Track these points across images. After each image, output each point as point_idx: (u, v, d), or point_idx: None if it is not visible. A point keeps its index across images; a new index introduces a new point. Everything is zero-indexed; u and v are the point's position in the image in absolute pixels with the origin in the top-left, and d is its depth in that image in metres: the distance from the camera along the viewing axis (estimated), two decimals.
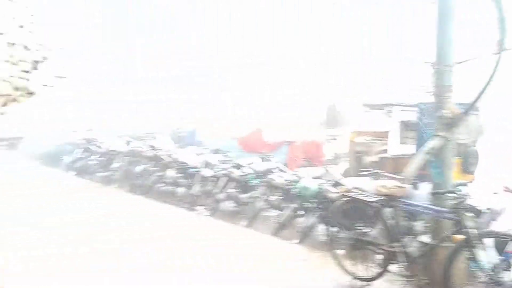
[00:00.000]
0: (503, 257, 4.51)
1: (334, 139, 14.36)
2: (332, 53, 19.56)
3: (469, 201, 4.95)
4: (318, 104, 15.07)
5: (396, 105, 10.77)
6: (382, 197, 5.06)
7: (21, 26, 2.25)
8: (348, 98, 15.09)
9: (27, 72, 2.28)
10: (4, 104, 2.30)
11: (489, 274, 4.32)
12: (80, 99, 19.13)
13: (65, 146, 14.02)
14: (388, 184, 5.03)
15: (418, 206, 5.01)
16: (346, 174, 10.14)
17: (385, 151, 10.92)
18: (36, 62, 2.23)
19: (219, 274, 5.48)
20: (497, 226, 5.01)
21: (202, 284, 5.14)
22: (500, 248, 4.66)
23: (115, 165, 11.15)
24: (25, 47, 2.19)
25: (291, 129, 12.62)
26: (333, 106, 15.60)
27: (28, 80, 2.29)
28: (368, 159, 10.78)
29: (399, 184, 5.04)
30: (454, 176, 5.25)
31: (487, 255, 4.43)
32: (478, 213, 5.13)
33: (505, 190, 5.63)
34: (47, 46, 2.33)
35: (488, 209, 5.28)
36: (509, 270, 4.51)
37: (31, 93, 2.33)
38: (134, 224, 7.59)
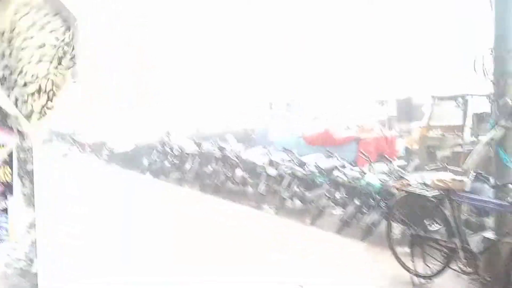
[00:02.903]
0: None
1: (409, 133, 13.94)
2: (394, 42, 18.95)
3: None
4: (387, 97, 14.66)
5: (468, 95, 10.29)
6: (440, 191, 4.88)
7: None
8: (419, 90, 14.56)
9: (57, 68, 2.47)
10: (51, 100, 2.51)
11: None
12: (154, 102, 20.05)
13: (144, 149, 14.79)
14: (445, 178, 4.84)
15: (478, 200, 4.77)
16: (417, 169, 9.85)
17: (459, 145, 10.47)
18: (60, 58, 2.44)
19: (277, 270, 5.52)
20: None
21: (265, 280, 5.15)
22: None
23: (187, 166, 11.60)
24: (54, 46, 2.41)
25: (359, 124, 12.37)
26: (407, 99, 15.14)
27: (63, 75, 2.49)
28: (440, 154, 10.40)
29: (456, 177, 4.84)
30: None
31: None
32: None
33: None
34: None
35: None
36: None
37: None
38: (202, 222, 7.84)
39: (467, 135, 10.10)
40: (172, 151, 12.43)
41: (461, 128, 10.31)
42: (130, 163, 14.54)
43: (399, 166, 11.06)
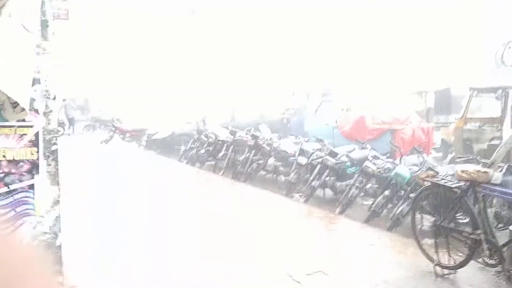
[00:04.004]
0: None
1: (446, 126, 13.68)
2: (434, 32, 18.46)
3: None
4: (426, 89, 14.36)
5: (509, 87, 10.00)
6: (463, 183, 4.83)
7: None
8: (459, 82, 14.23)
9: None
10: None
11: None
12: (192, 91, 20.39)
13: (180, 136, 15.12)
14: (469, 169, 4.78)
15: (503, 192, 4.69)
16: (452, 162, 9.68)
17: (498, 138, 10.21)
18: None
19: (304, 257, 5.60)
20: None
21: (288, 268, 5.22)
22: None
23: (220, 153, 11.79)
24: None
25: (395, 116, 12.19)
26: (446, 90, 14.80)
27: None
28: (477, 147, 10.18)
29: (481, 168, 4.77)
30: None
31: None
32: None
33: None
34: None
35: None
36: None
37: None
38: (233, 208, 8.00)
39: (507, 128, 9.83)
40: (207, 139, 12.65)
41: (500, 121, 10.05)
42: (167, 150, 14.91)
43: (435, 158, 10.91)
